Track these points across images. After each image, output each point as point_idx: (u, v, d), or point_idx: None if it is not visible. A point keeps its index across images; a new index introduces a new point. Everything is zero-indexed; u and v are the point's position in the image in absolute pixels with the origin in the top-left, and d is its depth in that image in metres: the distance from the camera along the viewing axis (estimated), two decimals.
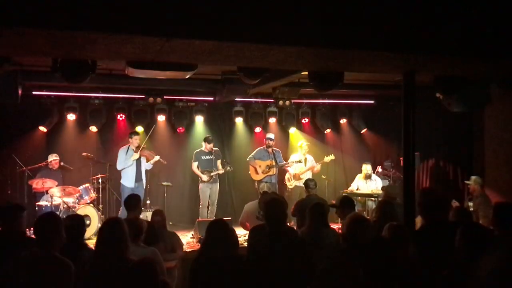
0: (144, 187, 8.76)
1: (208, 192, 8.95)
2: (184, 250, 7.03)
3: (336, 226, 6.64)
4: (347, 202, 5.26)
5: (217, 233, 3.65)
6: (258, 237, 4.20)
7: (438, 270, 3.40)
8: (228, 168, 9.03)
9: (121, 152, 8.51)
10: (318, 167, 9.43)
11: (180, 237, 6.09)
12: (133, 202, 5.41)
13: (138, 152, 8.46)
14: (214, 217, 8.32)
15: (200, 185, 8.96)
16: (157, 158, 8.70)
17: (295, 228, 5.94)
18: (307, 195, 7.00)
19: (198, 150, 9.07)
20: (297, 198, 8.94)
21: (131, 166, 8.46)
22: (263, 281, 3.60)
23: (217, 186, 9.06)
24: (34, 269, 3.27)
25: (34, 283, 3.23)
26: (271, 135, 9.36)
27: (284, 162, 9.34)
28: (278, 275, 3.69)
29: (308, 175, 9.26)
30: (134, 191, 8.26)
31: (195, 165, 8.99)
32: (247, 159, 9.35)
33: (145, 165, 8.66)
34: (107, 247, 3.41)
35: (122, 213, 8.22)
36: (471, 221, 4.84)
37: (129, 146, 8.51)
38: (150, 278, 3.08)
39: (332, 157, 9.47)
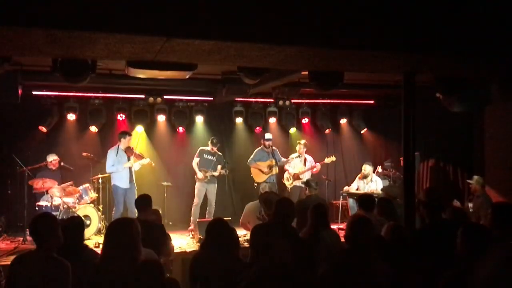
0: (135, 187, 8.71)
1: (204, 191, 8.95)
2: (184, 250, 7.07)
3: (336, 226, 6.65)
4: (365, 201, 5.30)
5: (216, 233, 3.66)
6: (261, 235, 4.22)
7: (440, 269, 3.40)
8: (224, 171, 9.03)
9: (111, 154, 8.37)
10: (318, 166, 9.41)
11: (180, 237, 6.15)
12: (145, 202, 5.39)
13: (132, 160, 8.36)
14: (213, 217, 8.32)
15: (197, 183, 8.98)
16: (146, 160, 8.64)
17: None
18: (307, 195, 7.00)
19: (204, 147, 9.08)
20: (296, 198, 8.94)
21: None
22: (265, 279, 3.60)
23: (214, 186, 9.05)
24: (32, 269, 3.26)
25: (32, 284, 3.22)
26: (269, 135, 9.35)
27: (284, 159, 9.33)
28: (281, 273, 3.69)
29: (308, 175, 9.26)
30: (127, 192, 8.25)
31: (195, 160, 8.99)
32: (248, 163, 9.33)
33: (134, 165, 8.56)
34: (118, 250, 3.27)
35: (116, 213, 8.21)
36: (469, 221, 4.83)
37: (118, 146, 8.41)
38: (158, 277, 3.09)
39: (333, 158, 9.46)
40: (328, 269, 3.63)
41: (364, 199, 5.37)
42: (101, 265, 3.32)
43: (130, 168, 8.42)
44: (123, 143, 8.40)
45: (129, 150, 8.41)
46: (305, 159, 9.40)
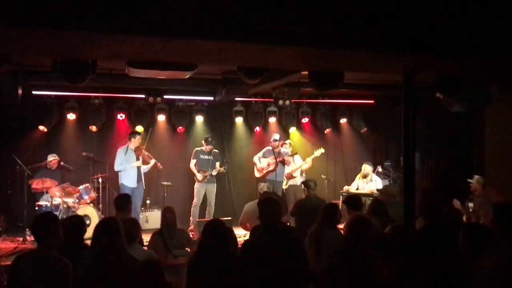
0: (144, 187, 8.74)
1: (203, 192, 8.96)
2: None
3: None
4: (354, 201, 5.32)
5: (213, 233, 3.67)
6: (254, 236, 4.22)
7: (440, 269, 3.40)
8: (222, 169, 9.03)
9: (120, 153, 8.40)
10: (309, 160, 9.42)
11: None
12: (123, 202, 5.40)
13: (140, 160, 8.41)
14: (212, 218, 8.32)
15: (196, 184, 8.98)
16: (153, 162, 8.66)
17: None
18: (306, 195, 7.00)
19: (198, 148, 9.08)
20: (291, 198, 8.98)
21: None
22: (257, 280, 3.61)
23: (213, 186, 9.05)
24: (33, 269, 3.26)
25: (32, 283, 3.22)
26: (275, 136, 9.36)
27: (286, 155, 9.31)
28: (272, 274, 3.70)
29: (299, 172, 9.36)
30: (134, 191, 8.24)
31: (193, 162, 9.01)
32: (253, 159, 9.38)
33: (143, 167, 8.60)
34: (104, 246, 3.38)
35: None
36: (463, 221, 4.84)
37: (128, 146, 8.44)
38: (156, 277, 3.10)
39: (322, 150, 9.44)
40: (326, 269, 3.63)
41: (352, 199, 5.39)
42: (91, 263, 3.39)
43: (138, 168, 8.44)
44: (133, 143, 8.42)
45: (138, 150, 8.44)
46: (293, 158, 9.45)
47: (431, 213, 4.24)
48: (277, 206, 4.11)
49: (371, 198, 8.63)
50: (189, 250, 5.45)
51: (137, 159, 8.42)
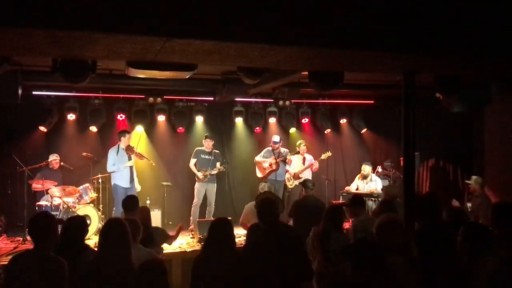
0: (136, 187, 8.69)
1: (203, 191, 8.96)
2: (184, 250, 7.07)
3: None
4: (357, 201, 5.34)
5: (219, 232, 3.68)
6: (255, 234, 4.22)
7: (439, 270, 3.40)
8: (222, 168, 9.05)
9: (112, 153, 8.38)
10: (316, 164, 9.45)
11: (180, 237, 6.19)
12: (132, 203, 5.42)
13: (133, 159, 8.40)
14: (213, 218, 8.32)
15: (196, 184, 8.99)
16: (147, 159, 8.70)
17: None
18: (304, 196, 7.02)
19: (199, 148, 9.08)
20: (297, 198, 8.97)
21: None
22: (261, 279, 3.61)
23: (213, 186, 9.05)
24: (29, 268, 3.26)
25: (29, 282, 3.23)
26: (275, 138, 9.38)
27: (286, 154, 9.37)
28: (272, 272, 3.70)
29: (307, 173, 9.35)
30: (127, 191, 8.22)
31: (193, 161, 9.01)
32: (255, 160, 9.40)
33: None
34: (111, 250, 3.36)
35: (116, 213, 8.21)
36: (468, 221, 4.85)
37: (118, 145, 8.42)
38: (162, 275, 3.11)
39: (329, 153, 9.49)
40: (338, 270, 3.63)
41: (355, 200, 5.42)
42: (95, 265, 3.37)
43: (131, 168, 8.42)
44: (123, 142, 8.41)
45: (129, 149, 8.41)
46: (303, 158, 9.47)
47: (426, 216, 4.26)
48: (275, 205, 4.12)
49: (372, 198, 8.67)
50: (168, 244, 5.69)
51: (129, 158, 8.40)
